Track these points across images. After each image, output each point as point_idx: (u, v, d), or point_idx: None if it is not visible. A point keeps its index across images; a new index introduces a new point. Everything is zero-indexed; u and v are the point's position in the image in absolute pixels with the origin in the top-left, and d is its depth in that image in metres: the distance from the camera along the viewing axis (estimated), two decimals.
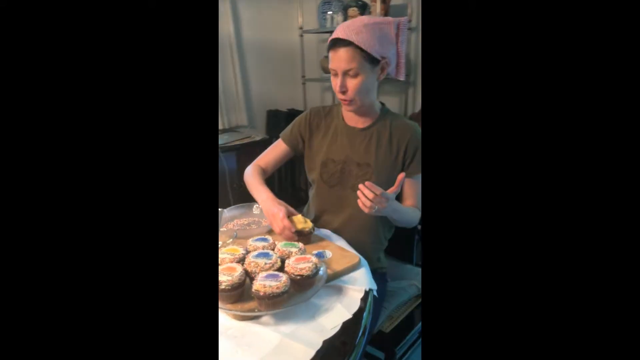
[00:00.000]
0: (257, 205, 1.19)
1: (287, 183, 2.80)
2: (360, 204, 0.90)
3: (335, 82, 1.03)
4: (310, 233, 1.01)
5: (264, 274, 0.76)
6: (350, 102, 1.05)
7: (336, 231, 1.13)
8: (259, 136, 2.60)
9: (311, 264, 0.80)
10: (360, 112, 1.12)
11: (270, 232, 1.10)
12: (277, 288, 0.72)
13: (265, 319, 0.75)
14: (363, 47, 0.97)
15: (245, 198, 2.47)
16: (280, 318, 0.75)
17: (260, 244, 0.90)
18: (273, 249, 0.89)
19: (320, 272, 0.82)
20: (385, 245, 1.21)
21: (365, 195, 0.88)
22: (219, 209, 1.08)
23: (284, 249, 0.87)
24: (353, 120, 1.16)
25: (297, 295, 0.79)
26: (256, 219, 1.17)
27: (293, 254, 0.86)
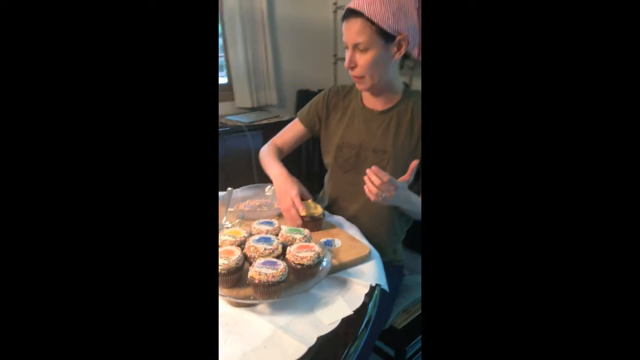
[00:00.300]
0: (269, 186, 1.15)
1: (316, 164, 2.74)
2: (366, 191, 0.83)
3: (346, 57, 0.96)
4: (320, 219, 0.96)
5: (262, 260, 0.71)
6: (361, 79, 0.98)
7: (350, 219, 1.06)
8: (286, 116, 2.54)
9: (313, 253, 0.74)
10: (376, 92, 1.04)
11: (280, 215, 1.05)
12: (273, 277, 0.67)
13: (261, 307, 0.71)
14: (374, 19, 0.89)
15: (269, 179, 2.44)
16: (277, 308, 0.71)
17: (265, 227, 0.85)
18: (277, 234, 0.84)
19: (324, 263, 0.77)
20: (402, 236, 1.13)
21: (372, 182, 0.81)
22: (229, 189, 1.04)
23: (288, 234, 0.82)
24: (371, 101, 1.08)
25: (297, 285, 0.74)
26: (268, 201, 1.13)
27: (297, 240, 0.81)
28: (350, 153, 1.07)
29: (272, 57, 2.56)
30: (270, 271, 0.68)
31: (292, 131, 1.20)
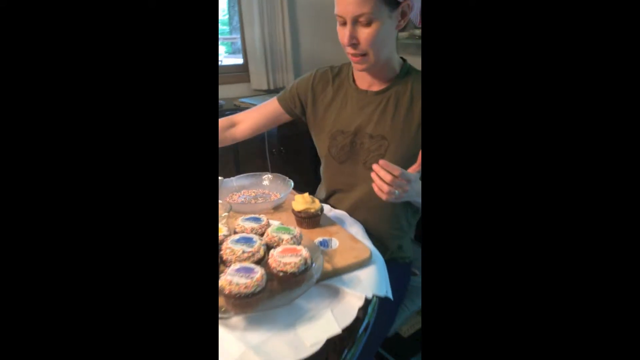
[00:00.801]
0: (267, 175, 1.05)
1: None
2: (375, 190, 0.72)
3: (343, 33, 0.83)
4: (317, 216, 0.84)
5: (237, 266, 0.61)
6: (363, 58, 0.85)
7: (348, 213, 0.96)
8: None
9: (299, 258, 0.63)
10: (374, 71, 0.91)
11: (276, 209, 0.94)
12: (246, 287, 0.57)
13: (234, 321, 0.61)
14: None
15: (284, 166, 2.33)
16: (252, 322, 0.61)
17: (249, 225, 0.75)
18: (262, 234, 0.74)
19: (312, 270, 0.66)
20: (409, 231, 1.01)
21: (381, 178, 0.69)
22: (219, 178, 0.95)
23: (275, 234, 0.71)
24: (365, 81, 0.95)
25: (278, 295, 0.63)
26: (265, 192, 1.02)
27: (284, 242, 0.70)
28: (345, 141, 0.96)
29: (290, 36, 2.44)
30: (243, 280, 0.58)
31: (264, 109, 1.08)
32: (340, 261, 0.73)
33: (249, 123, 1.08)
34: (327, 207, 0.96)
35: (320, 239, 0.80)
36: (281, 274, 0.63)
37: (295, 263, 0.62)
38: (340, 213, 0.95)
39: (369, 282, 0.70)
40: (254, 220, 0.77)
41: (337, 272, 0.72)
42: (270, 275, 0.63)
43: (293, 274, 0.62)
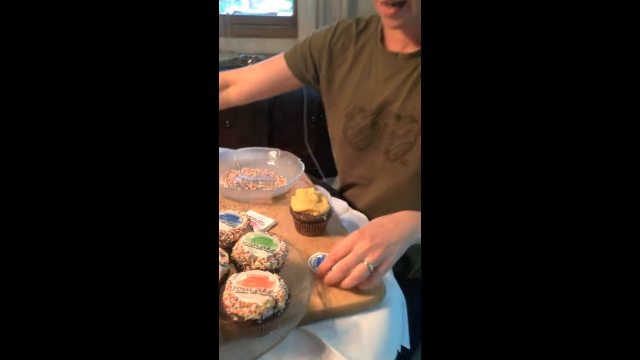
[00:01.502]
0: (275, 151, 0.83)
1: None
2: (357, 284, 0.52)
3: None
4: (321, 221, 0.62)
5: None
6: (400, 9, 0.61)
7: (365, 214, 0.73)
8: None
9: (266, 299, 0.42)
10: (411, 27, 0.66)
11: (277, 199, 0.73)
12: None
13: None
14: None
15: (323, 136, 2.10)
16: None
17: (220, 227, 0.54)
18: (233, 243, 0.52)
19: (288, 312, 0.44)
20: None
21: (341, 269, 0.52)
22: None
23: (247, 249, 0.49)
24: (398, 41, 0.70)
25: (233, 342, 0.43)
26: (270, 174, 0.81)
27: (256, 262, 0.48)
28: (364, 122, 0.72)
29: None
30: None
31: (267, 68, 0.83)
32: (337, 297, 0.51)
33: (246, 86, 0.84)
34: (342, 206, 0.73)
35: (318, 255, 0.58)
36: (235, 318, 0.42)
37: (257, 306, 0.41)
38: (357, 217, 0.72)
39: (372, 339, 0.48)
40: (229, 219, 0.55)
41: (330, 314, 0.50)
42: (223, 315, 0.43)
43: (252, 322, 0.41)
